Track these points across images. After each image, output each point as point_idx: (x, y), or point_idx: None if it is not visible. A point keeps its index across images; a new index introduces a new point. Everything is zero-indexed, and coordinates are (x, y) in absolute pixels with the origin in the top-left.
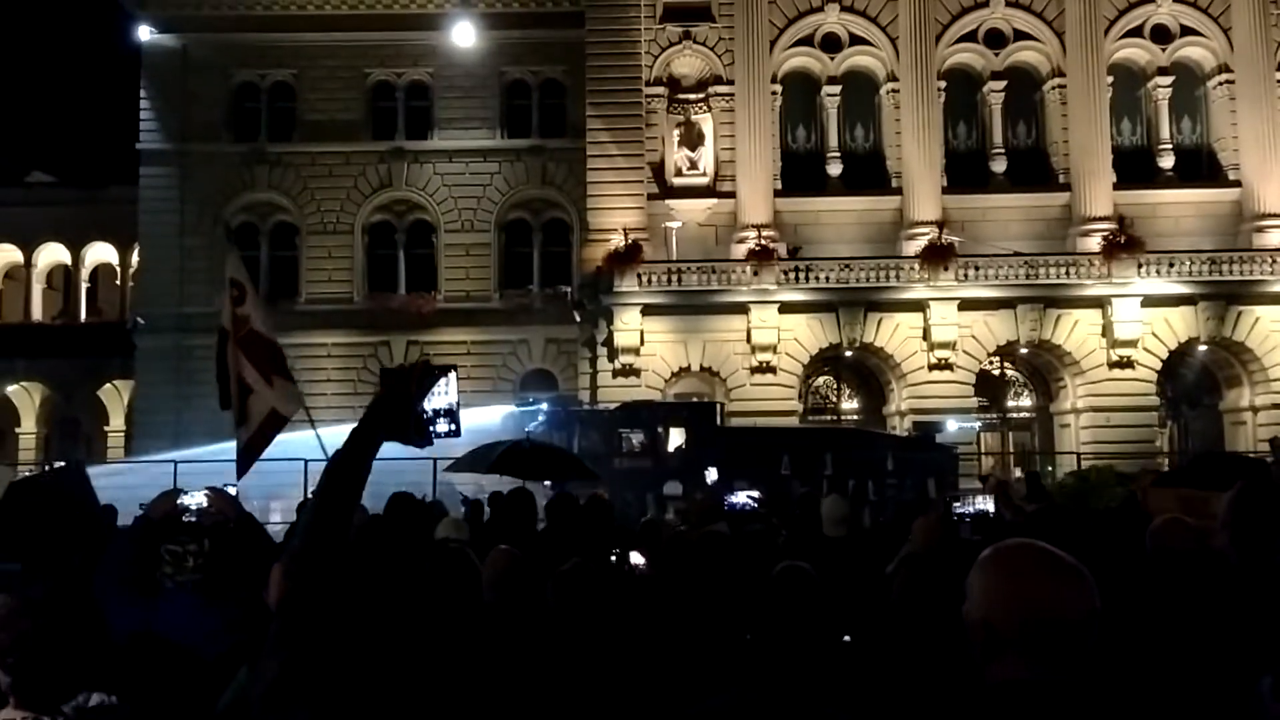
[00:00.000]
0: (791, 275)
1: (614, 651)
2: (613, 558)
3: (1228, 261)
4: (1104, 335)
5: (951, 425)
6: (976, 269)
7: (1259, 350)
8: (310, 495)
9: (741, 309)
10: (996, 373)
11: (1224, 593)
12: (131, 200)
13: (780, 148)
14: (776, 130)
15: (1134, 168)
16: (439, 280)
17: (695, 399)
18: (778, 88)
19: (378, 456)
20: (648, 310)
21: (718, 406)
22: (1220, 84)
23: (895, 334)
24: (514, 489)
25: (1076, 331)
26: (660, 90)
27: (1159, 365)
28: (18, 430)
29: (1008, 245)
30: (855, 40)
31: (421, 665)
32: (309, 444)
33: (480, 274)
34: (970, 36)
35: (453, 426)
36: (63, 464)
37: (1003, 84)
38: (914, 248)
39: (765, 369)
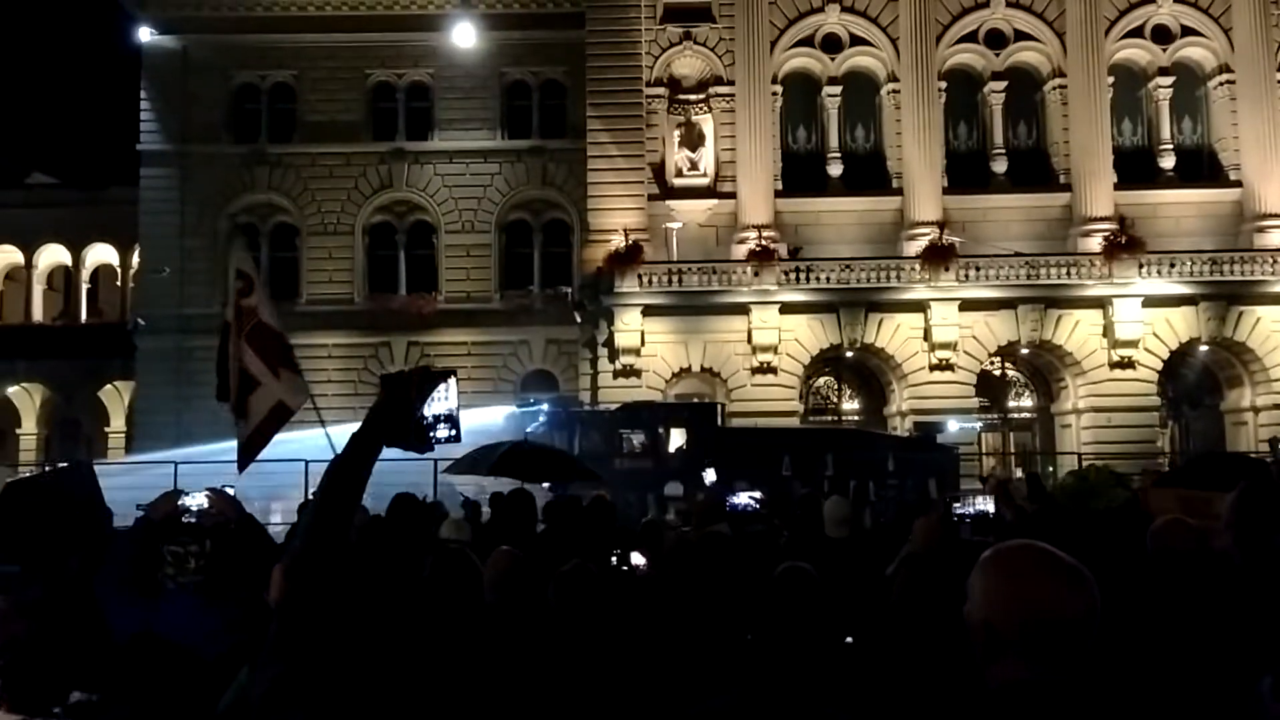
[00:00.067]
0: (792, 276)
1: (615, 652)
2: (614, 559)
3: (1229, 262)
4: (1105, 335)
5: (952, 426)
6: (977, 269)
7: (1260, 350)
8: (311, 496)
9: (742, 309)
10: (997, 373)
11: (1224, 593)
12: (132, 201)
13: (781, 148)
14: (777, 131)
15: (1135, 168)
16: (439, 281)
17: (696, 400)
18: (778, 88)
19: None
20: (648, 311)
21: (719, 407)
22: (1221, 84)
23: (896, 334)
24: (514, 490)
25: (1077, 332)
26: (661, 91)
27: (1160, 365)
28: (18, 431)
29: (1008, 246)
30: (856, 41)
31: (422, 666)
32: (310, 444)
33: (481, 275)
34: (971, 37)
35: (453, 432)
36: (67, 464)
37: (1003, 84)
38: (915, 248)
39: (766, 369)
